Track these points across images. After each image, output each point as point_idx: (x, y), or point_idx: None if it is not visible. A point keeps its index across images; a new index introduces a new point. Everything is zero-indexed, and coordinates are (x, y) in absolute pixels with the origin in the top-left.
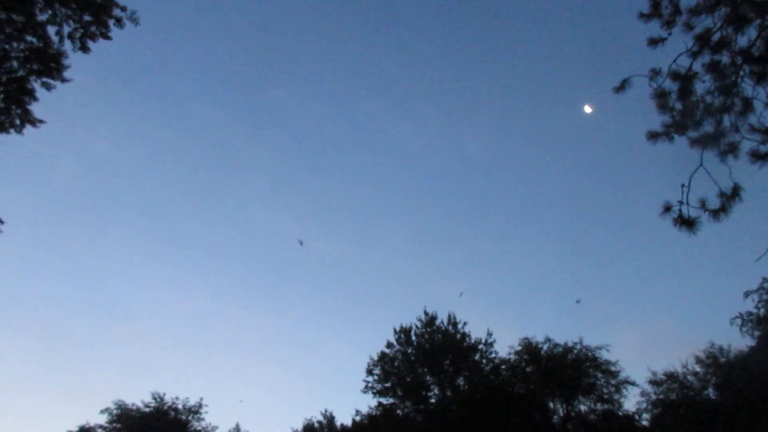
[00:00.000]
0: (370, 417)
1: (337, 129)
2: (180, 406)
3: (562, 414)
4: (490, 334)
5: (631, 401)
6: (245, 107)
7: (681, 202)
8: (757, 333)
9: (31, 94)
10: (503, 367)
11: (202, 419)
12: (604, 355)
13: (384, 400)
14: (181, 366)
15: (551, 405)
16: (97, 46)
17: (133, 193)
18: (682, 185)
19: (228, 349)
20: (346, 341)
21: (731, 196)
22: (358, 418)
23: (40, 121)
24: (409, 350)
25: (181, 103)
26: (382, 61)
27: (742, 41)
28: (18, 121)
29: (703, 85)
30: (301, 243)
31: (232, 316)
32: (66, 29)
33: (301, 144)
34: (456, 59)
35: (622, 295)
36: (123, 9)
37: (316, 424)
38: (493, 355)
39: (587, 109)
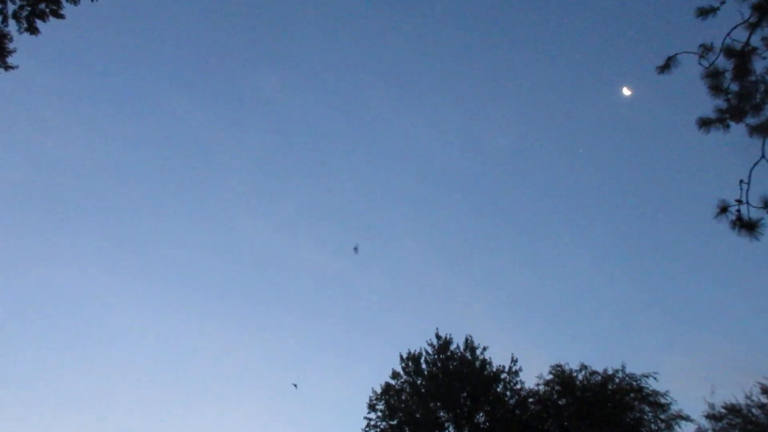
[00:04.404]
0: None
1: (334, 122)
2: None
3: None
4: (515, 361)
5: None
6: (224, 96)
7: (740, 202)
8: None
9: None
10: (531, 399)
11: None
12: (652, 385)
13: None
14: (145, 404)
15: None
16: (48, 26)
17: (91, 198)
18: (741, 181)
19: (204, 381)
20: (345, 371)
21: None
22: None
23: None
24: (419, 381)
25: (147, 92)
26: (387, 43)
27: None
28: None
29: (763, 63)
30: (295, 386)
31: (209, 341)
32: (10, 7)
33: (291, 139)
34: (471, 41)
35: (671, 313)
36: None
37: None
38: (518, 386)
39: (626, 92)
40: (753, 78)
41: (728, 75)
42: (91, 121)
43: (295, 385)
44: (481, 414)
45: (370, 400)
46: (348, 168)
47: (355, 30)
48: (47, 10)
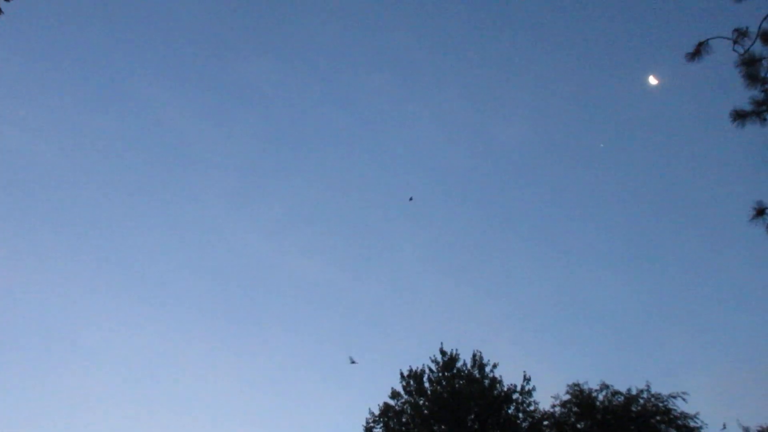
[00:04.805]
0: None
1: (330, 116)
2: None
3: None
4: (528, 380)
5: None
6: (208, 87)
7: None
8: None
9: None
10: (546, 422)
11: None
12: (680, 406)
13: None
14: (123, 420)
15: None
16: (12, 6)
17: (56, 196)
18: None
19: (184, 398)
20: (338, 389)
21: None
22: None
23: None
24: (422, 401)
25: (119, 79)
26: (388, 30)
27: None
28: None
29: None
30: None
31: (189, 356)
32: None
33: (282, 135)
34: (479, 26)
35: (702, 326)
36: None
37: None
38: (532, 407)
39: (652, 81)
40: None
41: (765, 63)
42: (59, 112)
43: (353, 361)
44: None
45: (367, 423)
46: (344, 167)
47: (355, 16)
48: None
